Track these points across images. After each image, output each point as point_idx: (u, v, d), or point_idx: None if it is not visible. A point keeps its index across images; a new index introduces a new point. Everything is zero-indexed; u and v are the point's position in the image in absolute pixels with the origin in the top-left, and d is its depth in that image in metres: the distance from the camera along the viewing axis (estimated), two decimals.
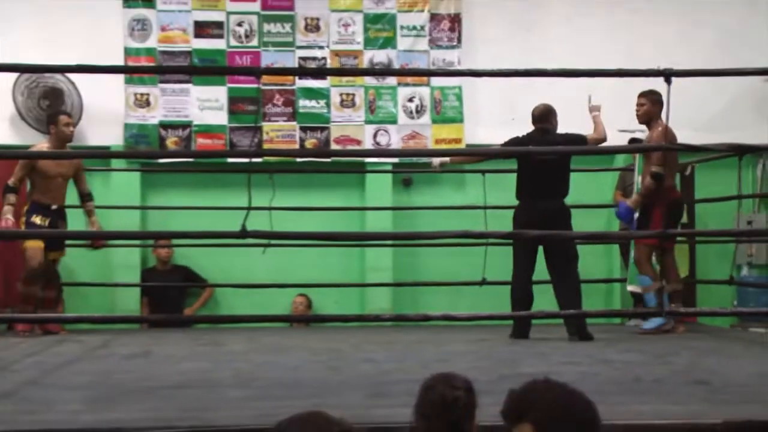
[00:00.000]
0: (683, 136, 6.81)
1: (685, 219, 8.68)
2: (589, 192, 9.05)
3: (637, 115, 7.45)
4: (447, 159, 7.58)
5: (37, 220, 7.43)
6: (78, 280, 8.73)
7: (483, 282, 8.02)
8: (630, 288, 7.85)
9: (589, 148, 7.49)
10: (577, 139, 7.21)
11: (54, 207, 7.52)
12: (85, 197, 7.79)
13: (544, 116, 7.24)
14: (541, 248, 7.08)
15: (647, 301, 7.35)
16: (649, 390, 4.44)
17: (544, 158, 6.99)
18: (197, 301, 9.00)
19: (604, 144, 7.39)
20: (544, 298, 7.11)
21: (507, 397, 2.32)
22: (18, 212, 7.51)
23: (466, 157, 7.85)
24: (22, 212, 7.58)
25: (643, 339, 6.98)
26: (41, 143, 7.65)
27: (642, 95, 7.42)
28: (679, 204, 7.43)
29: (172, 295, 8.87)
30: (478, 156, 7.94)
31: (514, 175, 7.22)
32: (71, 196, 7.82)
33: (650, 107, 7.35)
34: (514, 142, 7.21)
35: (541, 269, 7.12)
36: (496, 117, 9.02)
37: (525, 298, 7.00)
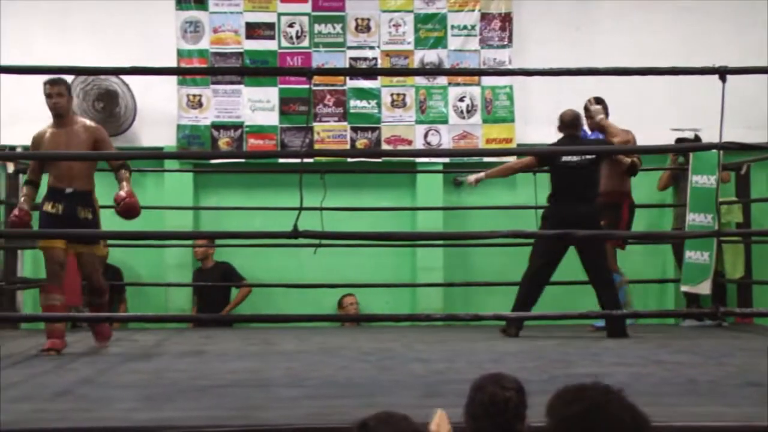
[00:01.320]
0: (737, 135, 6.72)
1: (740, 218, 8.61)
2: (640, 191, 8.99)
3: (593, 122, 7.62)
4: (482, 174, 7.59)
5: (48, 207, 6.30)
6: (131, 280, 8.84)
7: None
8: (684, 288, 7.78)
9: (624, 149, 7.55)
10: (605, 144, 7.36)
11: (69, 191, 6.27)
12: (117, 168, 6.45)
13: (573, 122, 7.30)
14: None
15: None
16: (704, 392, 4.39)
17: (576, 163, 7.10)
18: (234, 300, 8.94)
19: (649, 143, 7.43)
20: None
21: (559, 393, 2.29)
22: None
23: (501, 172, 7.77)
24: None
25: (697, 340, 6.91)
26: (43, 129, 6.44)
27: (598, 102, 7.69)
28: (634, 206, 7.68)
29: (216, 293, 8.89)
30: (516, 165, 7.81)
31: None
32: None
33: (605, 114, 7.66)
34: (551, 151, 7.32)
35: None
36: (547, 116, 8.92)
37: (529, 299, 7.13)
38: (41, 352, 6.06)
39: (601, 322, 7.38)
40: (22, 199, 6.50)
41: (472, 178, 7.65)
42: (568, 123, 7.29)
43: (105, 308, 6.71)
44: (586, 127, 7.66)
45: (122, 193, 6.29)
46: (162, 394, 4.35)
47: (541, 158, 7.36)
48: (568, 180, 7.14)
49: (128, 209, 6.31)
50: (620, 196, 7.64)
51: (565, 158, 7.16)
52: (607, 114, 7.79)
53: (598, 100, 7.79)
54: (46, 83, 6.24)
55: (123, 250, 8.77)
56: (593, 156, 7.14)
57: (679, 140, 8.50)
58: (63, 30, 8.96)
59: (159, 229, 8.48)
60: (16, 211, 6.34)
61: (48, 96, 6.25)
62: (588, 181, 7.15)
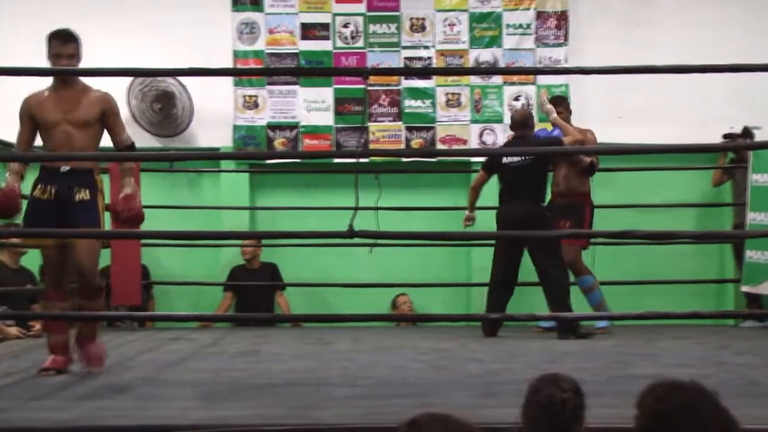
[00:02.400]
0: None
1: None
2: (698, 190, 8.91)
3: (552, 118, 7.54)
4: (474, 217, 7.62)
5: (38, 192, 5.03)
6: (187, 279, 8.88)
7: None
8: (744, 288, 7.68)
9: (579, 149, 7.48)
10: (552, 142, 7.32)
11: (65, 169, 4.99)
12: (123, 150, 5.26)
13: (524, 122, 7.35)
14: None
15: (592, 299, 7.37)
16: (765, 393, 4.33)
17: (517, 164, 7.15)
18: (282, 310, 8.82)
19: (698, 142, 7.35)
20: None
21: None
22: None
23: (471, 196, 7.70)
24: None
25: (758, 341, 6.81)
26: (40, 91, 5.14)
27: (558, 103, 7.65)
28: (593, 207, 7.61)
29: (260, 293, 8.86)
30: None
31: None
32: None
33: (566, 114, 7.64)
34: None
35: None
36: (603, 115, 8.90)
37: (495, 300, 7.15)
38: (40, 372, 4.99)
39: (603, 324, 7.30)
40: (7, 175, 5.05)
41: (468, 218, 7.64)
42: (519, 123, 7.36)
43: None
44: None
45: (121, 200, 5.19)
46: (219, 392, 4.38)
47: (486, 168, 7.45)
48: (509, 181, 7.21)
49: (131, 219, 5.27)
50: (581, 197, 7.55)
51: (505, 160, 7.23)
52: (569, 112, 7.72)
53: (555, 101, 7.74)
54: (54, 39, 5.01)
55: (180, 249, 8.83)
56: (534, 156, 7.13)
57: (727, 136, 8.35)
58: (120, 32, 9.04)
59: (216, 229, 8.55)
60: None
61: (56, 56, 5.00)
62: (530, 180, 7.13)
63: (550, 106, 7.51)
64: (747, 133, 8.33)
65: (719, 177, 8.73)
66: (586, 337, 6.88)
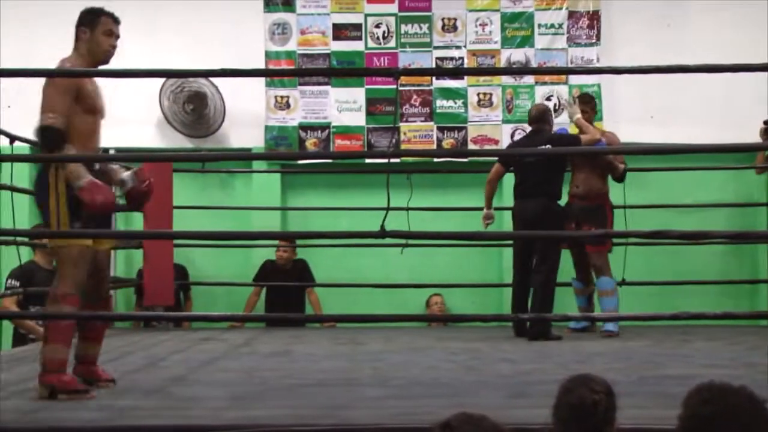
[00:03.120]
0: None
1: None
2: (729, 190, 8.85)
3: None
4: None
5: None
6: (221, 279, 8.91)
7: (623, 282, 7.86)
8: None
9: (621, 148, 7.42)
10: (569, 140, 7.26)
11: (97, 167, 4.58)
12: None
13: (540, 117, 7.25)
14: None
15: (608, 303, 7.20)
16: None
17: (529, 159, 7.06)
18: (315, 310, 8.78)
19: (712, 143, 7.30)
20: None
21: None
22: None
23: (488, 191, 7.57)
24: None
25: None
26: (64, 59, 4.60)
27: (585, 102, 7.55)
28: (612, 207, 7.50)
29: (292, 293, 8.81)
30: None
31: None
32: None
33: (591, 114, 7.52)
34: (512, 145, 7.28)
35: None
36: (635, 115, 8.87)
37: (516, 301, 7.10)
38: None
39: (613, 327, 7.20)
40: (82, 172, 4.37)
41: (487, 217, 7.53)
42: (535, 117, 7.28)
43: (100, 331, 4.74)
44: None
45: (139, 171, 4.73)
46: (251, 393, 4.41)
47: (503, 161, 7.35)
48: (524, 176, 7.15)
49: (140, 197, 4.75)
50: (600, 198, 7.43)
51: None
52: (594, 113, 7.63)
53: (583, 99, 7.67)
54: (106, 16, 4.61)
55: (212, 249, 8.88)
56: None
57: (767, 122, 8.14)
58: (152, 32, 9.09)
59: (247, 230, 8.58)
60: (97, 191, 4.37)
61: (109, 35, 4.59)
62: (545, 176, 7.04)
63: (575, 108, 7.46)
64: None
65: (762, 162, 8.28)
66: (559, 339, 6.86)
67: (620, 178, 7.48)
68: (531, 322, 6.84)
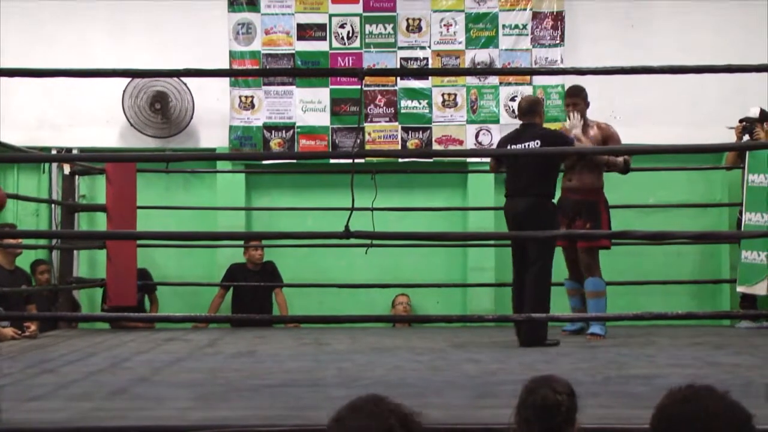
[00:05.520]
0: None
1: None
2: (693, 191, 8.93)
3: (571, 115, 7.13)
4: None
5: None
6: (185, 280, 8.88)
7: None
8: (740, 289, 7.68)
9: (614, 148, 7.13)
10: (560, 138, 6.72)
11: None
12: None
13: (530, 109, 6.77)
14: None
15: (597, 305, 6.98)
16: (761, 394, 4.33)
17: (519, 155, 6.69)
18: (281, 310, 8.76)
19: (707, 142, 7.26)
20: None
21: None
22: None
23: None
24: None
25: (753, 341, 6.82)
26: None
27: (576, 93, 7.17)
28: (607, 204, 7.19)
29: (259, 294, 8.77)
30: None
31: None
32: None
33: (583, 106, 7.16)
34: (503, 140, 7.00)
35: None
36: (599, 115, 8.86)
37: (515, 302, 6.73)
38: None
39: (600, 329, 7.00)
40: None
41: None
42: (525, 110, 6.77)
43: None
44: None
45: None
46: (216, 393, 4.38)
47: (496, 159, 7.07)
48: (513, 174, 6.72)
49: None
50: (594, 194, 7.10)
51: (513, 149, 6.73)
52: (587, 105, 7.21)
53: (574, 91, 7.27)
54: None
55: (177, 250, 8.84)
56: (539, 147, 6.59)
57: (742, 120, 8.11)
58: (118, 32, 9.05)
59: (212, 230, 8.55)
60: None
61: None
62: (534, 174, 6.55)
63: (575, 122, 7.05)
64: (765, 116, 8.10)
65: (733, 159, 8.32)
66: (556, 344, 6.48)
67: (624, 172, 7.26)
68: (523, 327, 6.47)
